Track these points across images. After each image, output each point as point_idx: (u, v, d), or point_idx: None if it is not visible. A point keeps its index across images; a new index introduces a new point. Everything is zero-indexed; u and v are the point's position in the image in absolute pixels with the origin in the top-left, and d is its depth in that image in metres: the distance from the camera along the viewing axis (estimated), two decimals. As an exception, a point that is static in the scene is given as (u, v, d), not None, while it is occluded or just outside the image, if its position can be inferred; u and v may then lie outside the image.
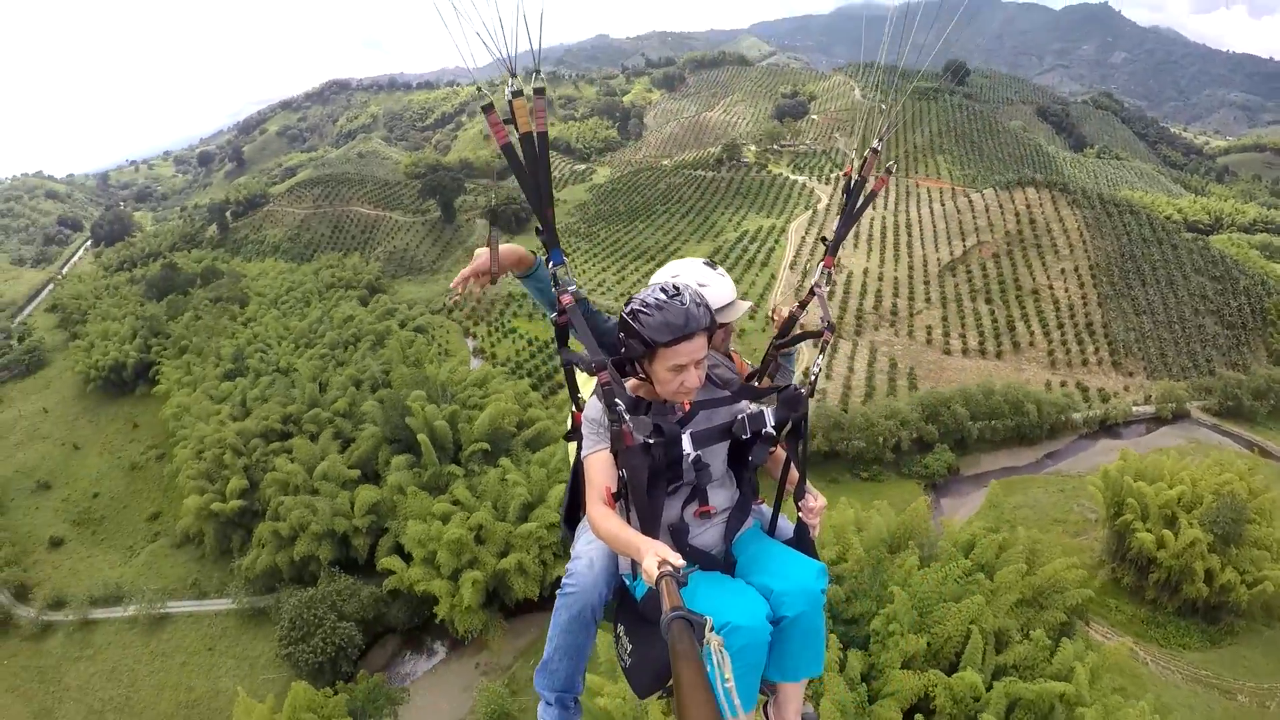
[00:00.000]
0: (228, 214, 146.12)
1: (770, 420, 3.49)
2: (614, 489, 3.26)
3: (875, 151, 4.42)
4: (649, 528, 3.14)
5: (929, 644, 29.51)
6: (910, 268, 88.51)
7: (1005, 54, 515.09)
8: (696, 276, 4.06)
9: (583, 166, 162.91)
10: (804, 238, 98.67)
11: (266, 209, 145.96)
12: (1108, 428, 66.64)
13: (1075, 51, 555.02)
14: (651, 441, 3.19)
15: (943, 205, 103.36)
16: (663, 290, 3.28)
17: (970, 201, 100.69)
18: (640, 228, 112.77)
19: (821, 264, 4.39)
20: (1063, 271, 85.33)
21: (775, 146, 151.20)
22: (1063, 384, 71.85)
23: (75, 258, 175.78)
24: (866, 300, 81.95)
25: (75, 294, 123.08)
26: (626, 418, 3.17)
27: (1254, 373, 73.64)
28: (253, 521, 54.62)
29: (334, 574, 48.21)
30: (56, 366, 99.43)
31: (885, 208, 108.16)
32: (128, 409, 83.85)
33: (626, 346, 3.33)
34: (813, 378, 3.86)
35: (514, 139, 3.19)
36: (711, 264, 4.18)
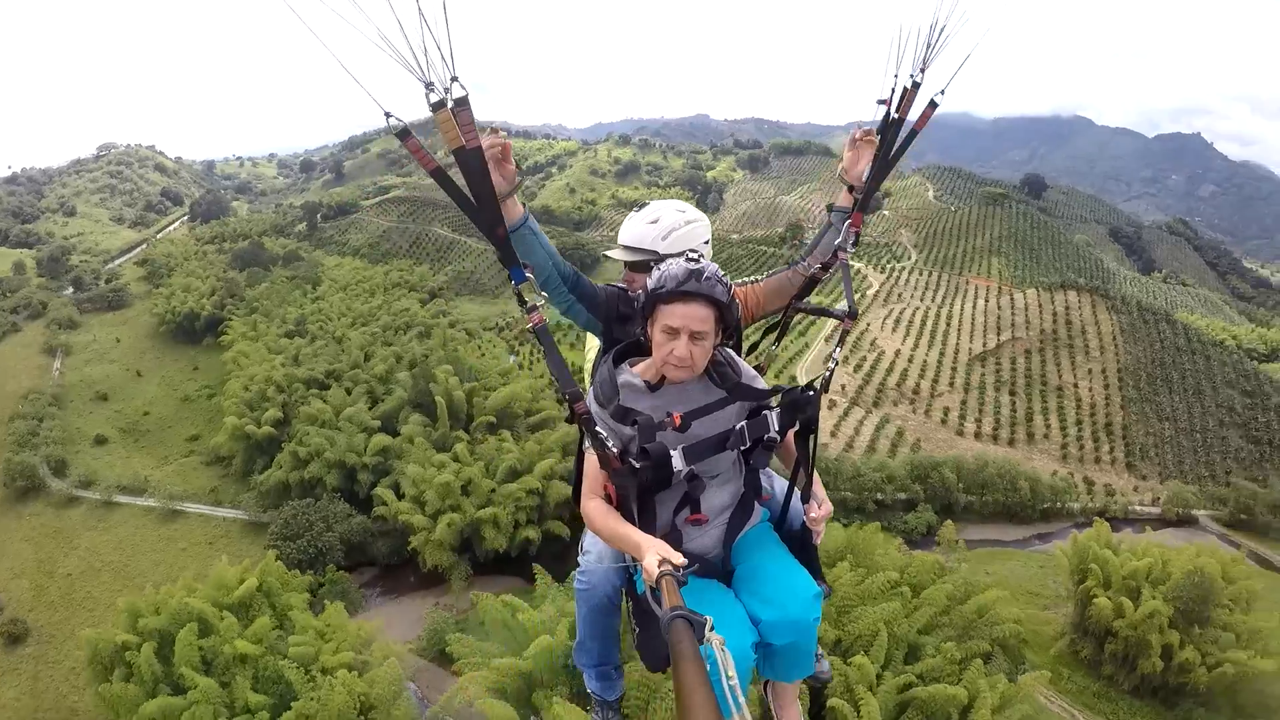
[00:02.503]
0: (318, 215, 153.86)
1: (774, 426, 3.38)
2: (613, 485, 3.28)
3: (917, 85, 3.67)
4: (644, 530, 3.14)
5: (839, 640, 30.06)
6: (941, 354, 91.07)
7: (1095, 177, 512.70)
8: (674, 207, 4.13)
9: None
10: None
11: (354, 217, 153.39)
12: (1107, 520, 64.66)
13: (1164, 180, 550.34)
14: (638, 465, 3.13)
15: (986, 301, 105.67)
16: (688, 258, 3.19)
17: (1012, 299, 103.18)
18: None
19: (848, 223, 4.05)
20: (1090, 371, 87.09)
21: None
22: (1070, 474, 72.24)
23: (171, 227, 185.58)
24: (891, 378, 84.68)
25: (166, 253, 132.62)
26: (609, 444, 3.15)
27: (1273, 486, 73.50)
28: (278, 451, 60.06)
29: (335, 499, 53.45)
30: (136, 309, 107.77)
31: (932, 299, 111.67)
32: (192, 354, 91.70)
33: (638, 300, 3.27)
34: (828, 371, 3.74)
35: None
36: (684, 210, 4.14)
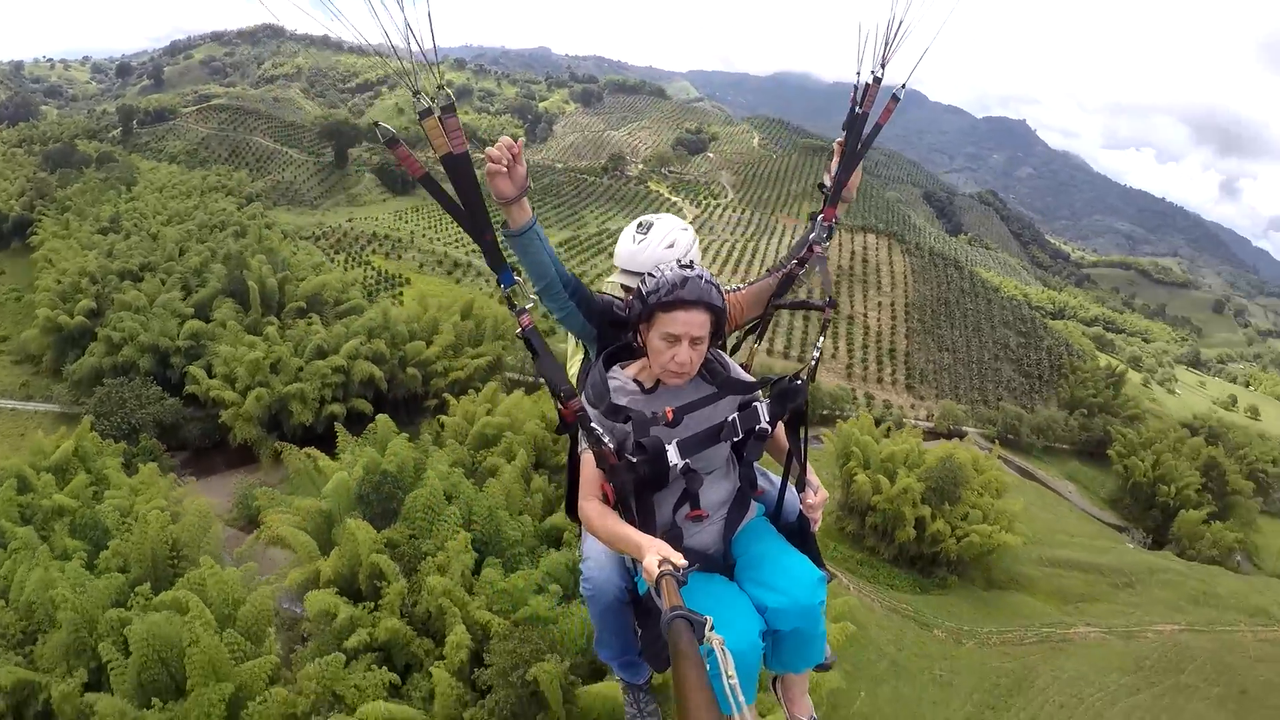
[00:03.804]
0: (134, 120, 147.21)
1: (765, 416, 3.39)
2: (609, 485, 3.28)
3: (877, 80, 3.82)
4: (642, 530, 3.13)
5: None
6: (743, 280, 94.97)
7: (921, 148, 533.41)
8: (679, 226, 4.11)
9: (482, 157, 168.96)
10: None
11: (172, 123, 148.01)
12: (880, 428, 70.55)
13: (986, 158, 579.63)
14: (635, 460, 3.16)
15: (792, 238, 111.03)
16: (679, 264, 3.22)
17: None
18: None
19: (820, 217, 4.10)
20: (880, 304, 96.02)
21: (663, 170, 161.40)
22: (853, 389, 79.98)
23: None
24: None
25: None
26: (605, 440, 3.16)
27: (1039, 412, 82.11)
28: (92, 341, 58.86)
29: (148, 382, 53.41)
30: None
31: (742, 234, 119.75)
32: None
33: (631, 307, 3.25)
34: (812, 361, 3.74)
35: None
36: (686, 227, 4.17)
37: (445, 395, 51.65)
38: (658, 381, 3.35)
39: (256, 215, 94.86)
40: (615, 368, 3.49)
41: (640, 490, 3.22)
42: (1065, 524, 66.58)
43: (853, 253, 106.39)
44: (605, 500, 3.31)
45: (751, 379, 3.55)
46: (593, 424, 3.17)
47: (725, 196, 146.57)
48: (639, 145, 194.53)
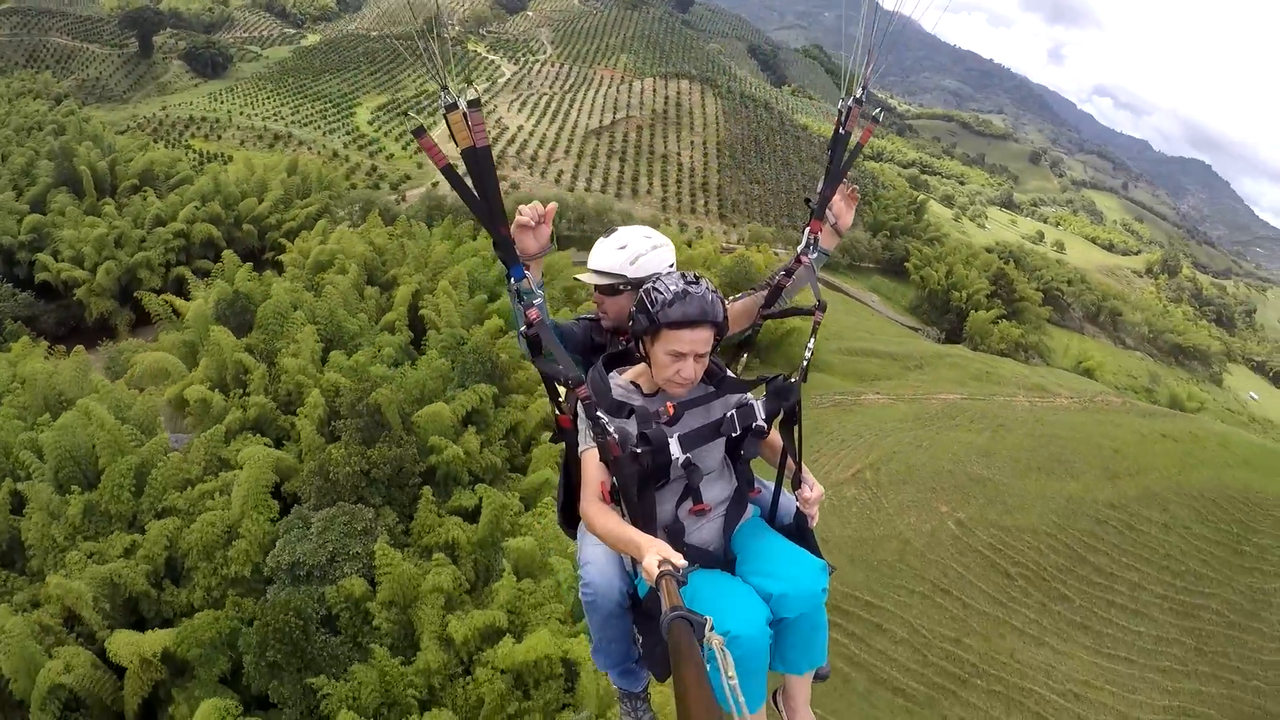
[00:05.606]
0: None
1: (761, 413, 3.50)
2: (609, 484, 3.30)
3: (859, 102, 4.11)
4: (644, 527, 3.15)
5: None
6: (560, 129, 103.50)
7: (751, 6, 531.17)
8: (641, 234, 4.04)
9: (293, 31, 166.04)
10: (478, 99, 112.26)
11: None
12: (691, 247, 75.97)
13: (817, 16, 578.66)
14: (639, 450, 3.18)
15: (608, 88, 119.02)
16: (683, 277, 3.24)
17: (630, 86, 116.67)
18: (328, 79, 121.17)
19: (807, 229, 4.24)
20: (693, 144, 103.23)
21: (480, 30, 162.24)
22: (668, 220, 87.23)
23: None
24: (511, 147, 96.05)
25: None
26: (610, 430, 3.17)
27: (844, 235, 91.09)
28: None
29: None
30: None
31: (561, 87, 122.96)
32: None
33: (634, 320, 3.28)
34: (804, 362, 3.80)
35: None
36: (649, 235, 4.08)
37: (282, 241, 55.94)
38: (658, 388, 3.42)
39: (73, 111, 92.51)
40: (614, 372, 3.55)
41: (642, 484, 3.23)
42: (867, 325, 75.70)
43: (666, 98, 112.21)
44: (604, 502, 3.32)
45: (747, 379, 3.69)
46: (598, 412, 3.21)
47: (544, 53, 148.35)
48: (455, 7, 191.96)
